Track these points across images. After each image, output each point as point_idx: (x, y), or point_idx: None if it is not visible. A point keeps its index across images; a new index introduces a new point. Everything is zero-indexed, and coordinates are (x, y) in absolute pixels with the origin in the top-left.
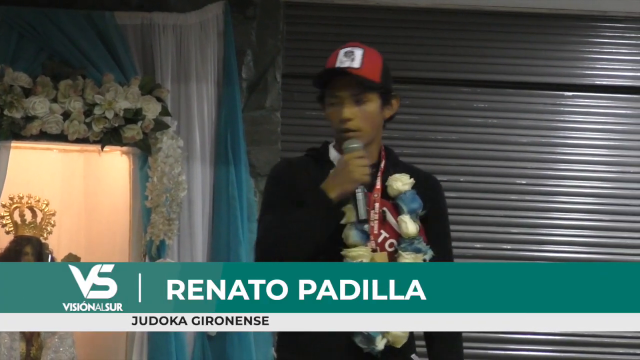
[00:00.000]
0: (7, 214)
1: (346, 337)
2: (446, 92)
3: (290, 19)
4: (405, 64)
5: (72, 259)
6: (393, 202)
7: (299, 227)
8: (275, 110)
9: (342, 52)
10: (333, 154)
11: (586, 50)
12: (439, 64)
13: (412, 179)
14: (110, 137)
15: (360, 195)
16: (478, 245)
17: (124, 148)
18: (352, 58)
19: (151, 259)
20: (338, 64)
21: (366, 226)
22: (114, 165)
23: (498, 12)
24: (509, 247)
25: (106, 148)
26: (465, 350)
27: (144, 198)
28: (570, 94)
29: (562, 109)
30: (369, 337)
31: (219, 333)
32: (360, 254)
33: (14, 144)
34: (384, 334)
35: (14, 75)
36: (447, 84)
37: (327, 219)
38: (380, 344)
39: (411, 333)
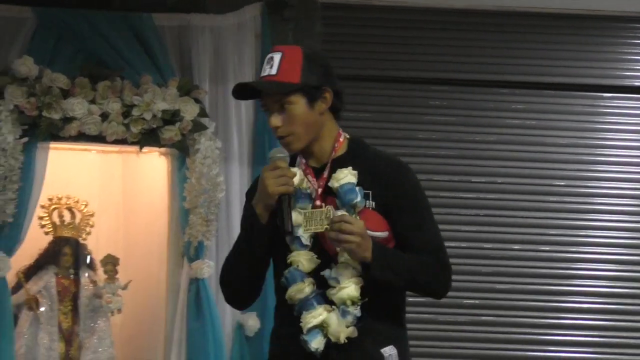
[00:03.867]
0: (46, 214)
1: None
2: (484, 94)
3: (328, 21)
4: (443, 65)
5: (111, 259)
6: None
7: (235, 248)
8: None
9: (266, 59)
10: (297, 160)
11: (625, 51)
12: (477, 66)
13: (352, 171)
14: (149, 138)
15: (283, 207)
16: (516, 247)
17: (162, 149)
18: (271, 65)
19: (189, 260)
20: (261, 74)
21: (301, 230)
22: (152, 166)
23: (536, 13)
24: (547, 248)
25: (144, 149)
26: (501, 352)
27: (182, 199)
28: (609, 95)
29: (600, 110)
30: (304, 341)
31: (257, 334)
32: (296, 259)
33: (52, 145)
34: (323, 334)
35: (53, 77)
36: (485, 85)
37: (253, 233)
38: (319, 345)
39: (382, 326)
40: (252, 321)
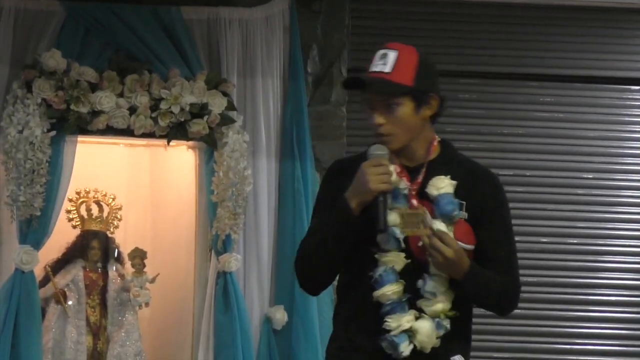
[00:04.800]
0: (74, 208)
1: (376, 340)
2: (513, 87)
3: (356, 13)
4: (472, 58)
5: (139, 253)
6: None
7: (321, 236)
8: (340, 104)
9: (378, 54)
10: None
11: None
12: (506, 58)
13: (451, 181)
14: (177, 131)
15: (380, 205)
16: (544, 239)
17: (190, 142)
18: (384, 62)
19: (217, 254)
20: (372, 68)
21: (398, 231)
22: (180, 159)
23: (565, 6)
24: (575, 241)
25: (172, 142)
26: (528, 345)
27: (210, 192)
28: (637, 87)
29: (629, 102)
30: (393, 343)
31: (284, 327)
32: (391, 259)
33: (80, 138)
34: (410, 339)
35: (81, 70)
36: (514, 78)
37: (345, 227)
38: (406, 350)
39: (452, 334)
40: (279, 315)
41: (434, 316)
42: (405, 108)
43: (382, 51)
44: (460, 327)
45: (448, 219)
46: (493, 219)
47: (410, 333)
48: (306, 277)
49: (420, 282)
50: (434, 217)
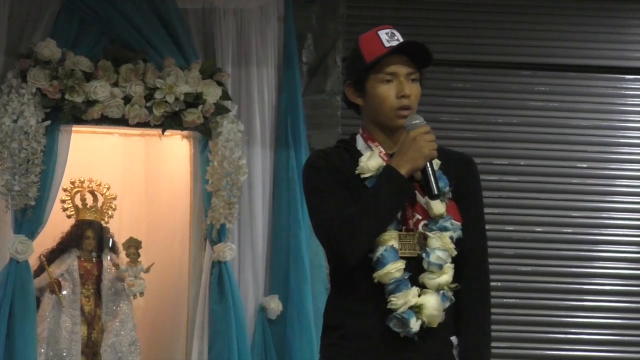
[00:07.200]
0: (69, 198)
1: (381, 322)
2: (507, 76)
3: (351, 3)
4: (466, 47)
5: (133, 242)
6: (420, 183)
7: (375, 205)
8: (335, 94)
9: (383, 33)
10: (360, 143)
11: None
12: (500, 47)
13: (436, 160)
14: (171, 121)
15: (429, 171)
16: (539, 229)
17: (185, 132)
18: (396, 39)
19: (212, 243)
20: (389, 43)
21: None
22: (175, 149)
23: None
24: (570, 230)
25: (167, 132)
26: (523, 334)
27: (205, 182)
28: (631, 77)
29: (623, 92)
30: (402, 319)
31: (279, 317)
32: (386, 238)
33: (75, 128)
34: (417, 315)
35: (76, 60)
36: (508, 67)
37: (401, 195)
38: (415, 326)
39: (450, 314)
40: (274, 304)
41: (437, 289)
42: (419, 85)
43: (386, 30)
44: (450, 311)
45: (443, 195)
46: (472, 198)
47: (416, 309)
48: (353, 245)
49: (423, 255)
50: (424, 196)
